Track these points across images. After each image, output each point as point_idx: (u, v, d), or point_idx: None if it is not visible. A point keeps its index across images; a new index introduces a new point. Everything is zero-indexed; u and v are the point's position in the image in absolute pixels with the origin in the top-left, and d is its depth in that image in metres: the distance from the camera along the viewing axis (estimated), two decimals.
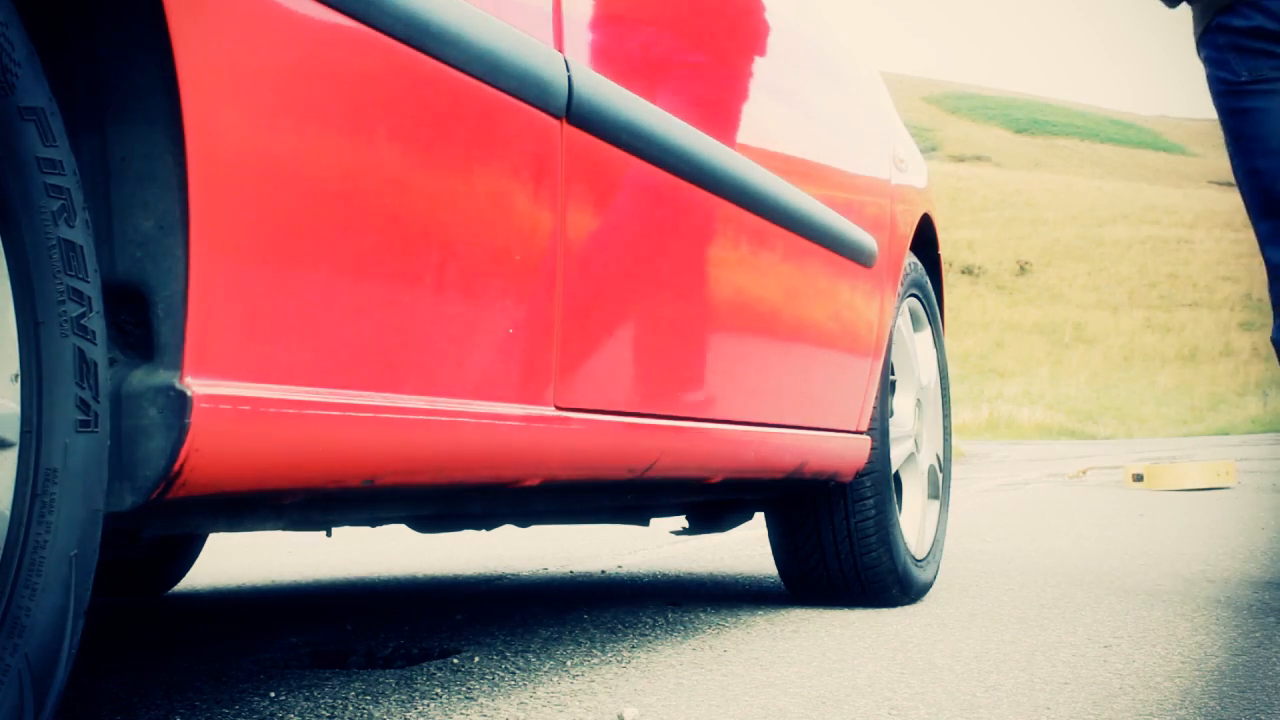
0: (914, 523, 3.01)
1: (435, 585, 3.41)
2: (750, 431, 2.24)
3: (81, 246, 1.01)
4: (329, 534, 2.78)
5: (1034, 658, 2.14)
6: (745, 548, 4.37)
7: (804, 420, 2.47)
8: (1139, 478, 8.17)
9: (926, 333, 3.22)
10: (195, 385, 1.09)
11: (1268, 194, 2.74)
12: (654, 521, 2.96)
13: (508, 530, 4.27)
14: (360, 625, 2.55)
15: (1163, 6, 2.98)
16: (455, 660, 2.14)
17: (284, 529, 1.87)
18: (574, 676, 2.01)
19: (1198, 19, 2.86)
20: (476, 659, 2.15)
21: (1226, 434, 21.28)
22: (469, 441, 1.48)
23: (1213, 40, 2.81)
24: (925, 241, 3.26)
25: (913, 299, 3.12)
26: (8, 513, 0.98)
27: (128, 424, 1.09)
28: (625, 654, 2.21)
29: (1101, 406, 25.41)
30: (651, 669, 2.07)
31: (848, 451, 2.67)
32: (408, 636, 2.39)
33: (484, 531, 3.97)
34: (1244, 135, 2.79)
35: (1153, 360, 30.98)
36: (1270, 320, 2.93)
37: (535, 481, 1.67)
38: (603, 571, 3.71)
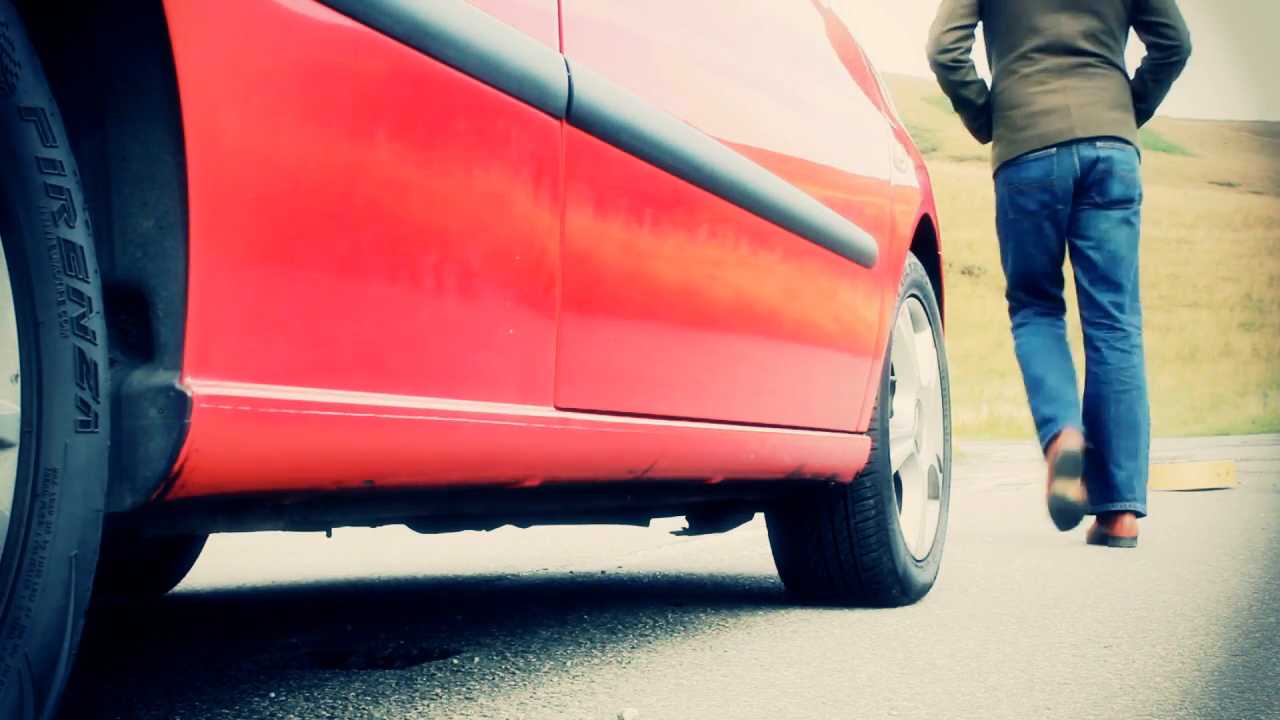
0: (914, 523, 3.01)
1: (435, 585, 3.41)
2: (750, 432, 2.24)
3: (81, 247, 1.01)
4: (329, 534, 2.78)
5: (1034, 658, 2.14)
6: (745, 548, 4.37)
7: (804, 421, 2.47)
8: None
9: (926, 333, 3.22)
10: (195, 386, 1.09)
11: (1016, 274, 4.37)
12: (654, 522, 2.96)
13: (508, 531, 4.27)
14: (360, 625, 2.55)
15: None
16: (455, 660, 2.14)
17: (284, 529, 1.87)
18: (574, 676, 2.01)
19: (993, 161, 4.37)
20: (476, 659, 2.15)
21: (1226, 434, 21.28)
22: (469, 442, 1.48)
23: (998, 179, 4.33)
24: (925, 241, 3.26)
25: (913, 299, 3.12)
26: (8, 513, 0.99)
27: (128, 424, 1.09)
28: (625, 654, 2.21)
29: None
30: (651, 669, 2.07)
31: (847, 452, 2.67)
32: (408, 636, 2.39)
33: (484, 532, 3.97)
34: (1007, 241, 4.35)
35: (1153, 360, 30.93)
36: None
37: (535, 482, 1.67)
38: (603, 572, 3.71)
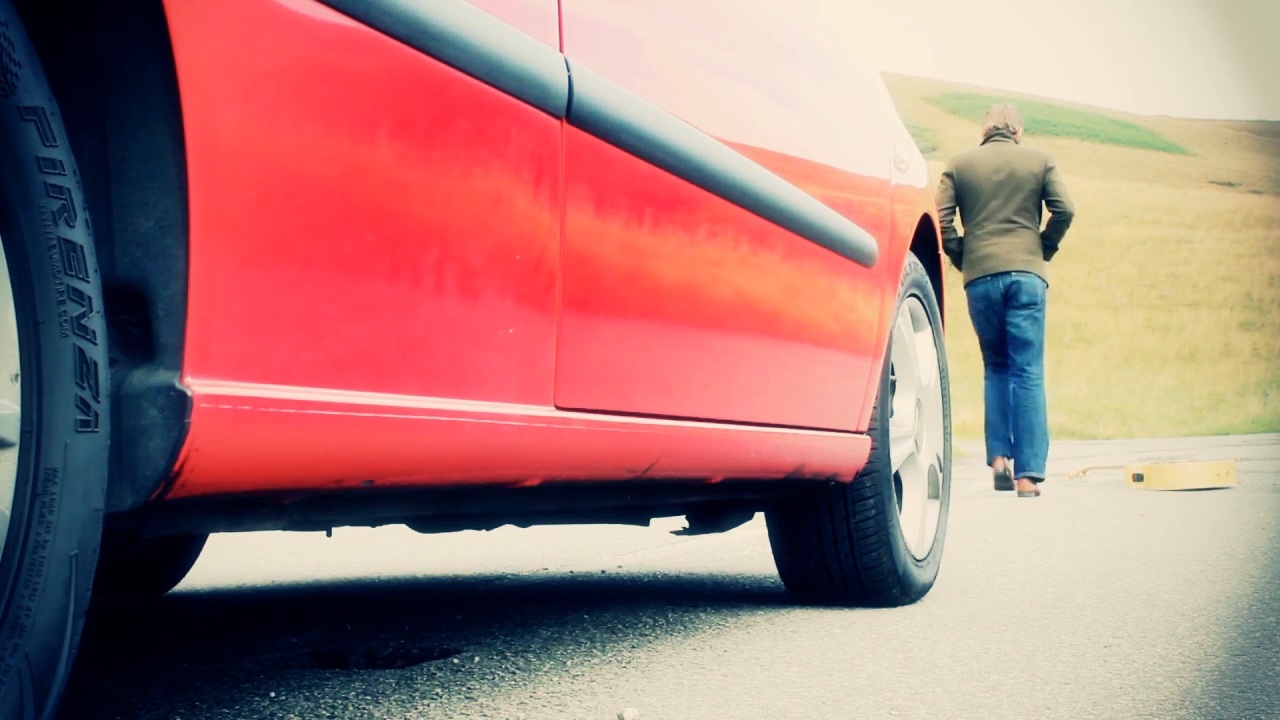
0: (914, 523, 3.01)
1: (435, 585, 3.41)
2: (750, 432, 2.24)
3: (81, 246, 1.01)
4: (329, 534, 2.78)
5: (1034, 658, 2.14)
6: (745, 548, 4.37)
7: (804, 420, 2.47)
8: (1139, 478, 8.17)
9: (926, 333, 3.22)
10: (195, 385, 1.09)
11: (981, 341, 7.66)
12: (654, 521, 2.96)
13: (508, 530, 4.27)
14: (360, 625, 2.55)
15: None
16: (455, 660, 2.14)
17: (284, 529, 1.87)
18: (574, 676, 2.01)
19: (962, 281, 7.61)
20: (476, 659, 2.15)
21: (1226, 434, 21.27)
22: (469, 442, 1.48)
23: (966, 291, 7.51)
24: (925, 241, 3.26)
25: (913, 299, 3.12)
26: (8, 513, 0.98)
27: (128, 424, 1.09)
28: (625, 654, 2.21)
29: (1101, 406, 25.39)
30: (651, 669, 2.07)
31: (848, 452, 2.67)
32: (408, 636, 2.39)
33: (484, 532, 3.97)
34: (974, 324, 7.58)
35: (1153, 360, 30.94)
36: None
37: (535, 482, 1.67)
38: (603, 572, 3.71)
